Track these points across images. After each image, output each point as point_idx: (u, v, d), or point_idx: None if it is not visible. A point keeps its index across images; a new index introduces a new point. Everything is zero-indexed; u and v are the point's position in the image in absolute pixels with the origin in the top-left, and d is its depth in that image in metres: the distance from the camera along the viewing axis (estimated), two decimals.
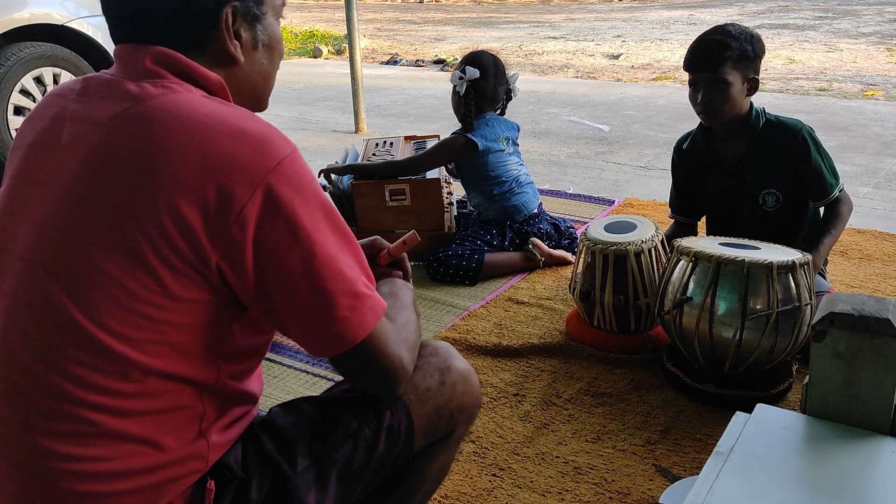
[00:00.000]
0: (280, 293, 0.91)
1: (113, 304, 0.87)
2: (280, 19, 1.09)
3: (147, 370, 0.89)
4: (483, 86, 2.71)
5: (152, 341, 0.89)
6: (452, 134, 2.79)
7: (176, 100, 0.93)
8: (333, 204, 0.97)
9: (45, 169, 0.95)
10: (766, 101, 5.50)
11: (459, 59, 2.86)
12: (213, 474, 0.98)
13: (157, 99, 0.92)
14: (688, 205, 2.42)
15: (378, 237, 1.29)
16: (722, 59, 2.06)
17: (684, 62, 2.16)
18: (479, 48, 2.87)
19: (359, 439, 1.06)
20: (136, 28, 0.98)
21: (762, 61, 2.16)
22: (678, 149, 2.38)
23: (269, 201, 0.88)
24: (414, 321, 1.11)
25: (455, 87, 2.73)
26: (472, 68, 2.69)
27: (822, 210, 2.22)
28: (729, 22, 2.18)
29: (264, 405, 1.91)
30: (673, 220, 2.48)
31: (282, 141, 0.93)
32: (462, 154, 2.74)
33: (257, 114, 1.01)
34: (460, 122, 2.76)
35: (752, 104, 2.18)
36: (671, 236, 2.37)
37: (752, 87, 2.13)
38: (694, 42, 2.15)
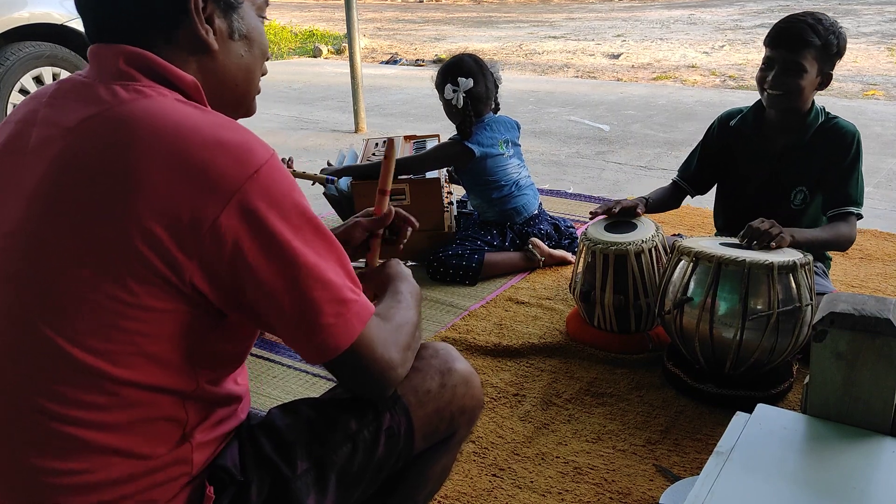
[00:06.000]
0: (262, 304, 0.89)
1: (81, 316, 0.84)
2: (263, 18, 1.06)
3: (121, 381, 0.86)
4: (478, 91, 2.70)
5: (125, 353, 0.86)
6: (450, 139, 2.77)
7: (147, 105, 0.89)
8: (310, 209, 0.92)
9: (11, 175, 0.92)
10: None
11: (437, 74, 2.80)
12: (211, 479, 0.97)
13: (128, 104, 0.89)
14: (701, 177, 2.40)
15: (359, 220, 1.28)
16: (806, 42, 2.01)
17: (766, 37, 2.10)
18: (454, 54, 2.84)
19: (358, 441, 1.05)
20: (107, 17, 0.95)
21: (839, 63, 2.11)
22: (723, 122, 2.33)
23: (245, 213, 0.85)
24: (411, 321, 1.08)
25: (451, 101, 2.70)
26: (463, 79, 2.67)
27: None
28: (819, 11, 2.13)
29: (263, 405, 1.91)
30: (671, 182, 2.46)
31: (259, 147, 0.89)
32: (459, 160, 2.74)
33: (242, 120, 0.99)
34: (458, 130, 2.74)
35: (813, 102, 2.14)
36: (661, 193, 2.40)
37: (824, 82, 2.09)
38: (782, 19, 2.10)
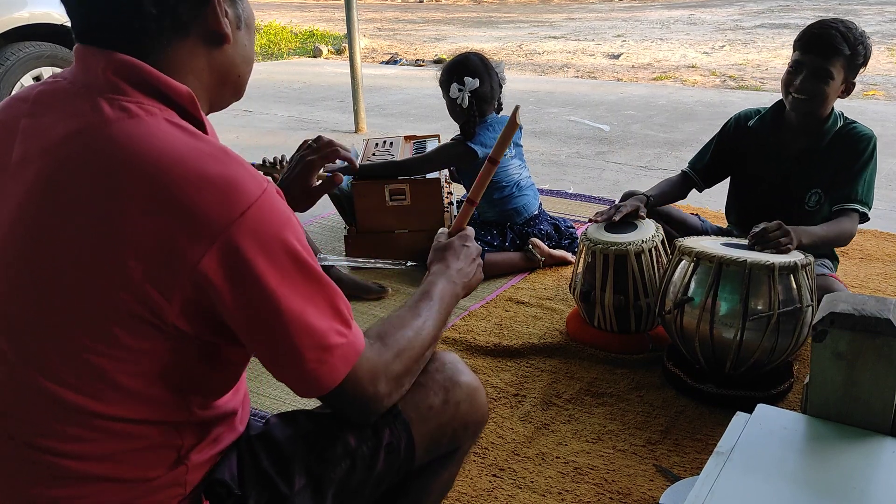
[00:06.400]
0: (247, 343, 0.88)
1: (60, 355, 0.82)
2: None
3: (107, 417, 0.84)
4: (483, 90, 2.68)
5: (108, 389, 0.83)
6: (452, 140, 2.76)
7: (132, 130, 0.82)
8: (301, 246, 0.87)
9: None
10: (767, 100, 5.49)
11: (442, 71, 2.79)
12: (208, 493, 0.96)
13: (112, 126, 0.82)
14: (713, 171, 2.40)
15: (312, 159, 1.33)
16: (837, 51, 2.03)
17: (797, 41, 2.12)
18: (459, 52, 2.82)
19: (357, 458, 1.04)
20: (102, 15, 0.86)
21: (862, 71, 2.14)
22: (741, 123, 2.34)
23: (229, 258, 0.81)
24: (421, 343, 1.04)
25: (456, 100, 2.68)
26: (470, 78, 2.65)
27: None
28: (848, 19, 2.15)
29: (264, 405, 1.90)
30: (680, 172, 2.46)
31: (250, 182, 0.83)
32: (462, 160, 2.73)
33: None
34: (462, 130, 2.72)
35: (833, 108, 2.16)
36: (666, 185, 2.40)
37: (847, 90, 2.12)
38: (815, 24, 2.11)
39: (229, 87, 0.98)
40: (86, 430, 0.84)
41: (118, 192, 0.80)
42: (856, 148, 2.12)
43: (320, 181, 1.40)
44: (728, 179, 2.44)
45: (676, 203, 2.50)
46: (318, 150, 1.38)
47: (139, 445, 0.88)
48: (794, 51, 2.13)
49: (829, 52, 2.03)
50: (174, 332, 0.84)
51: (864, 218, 2.13)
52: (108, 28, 0.87)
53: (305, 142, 1.42)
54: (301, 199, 1.38)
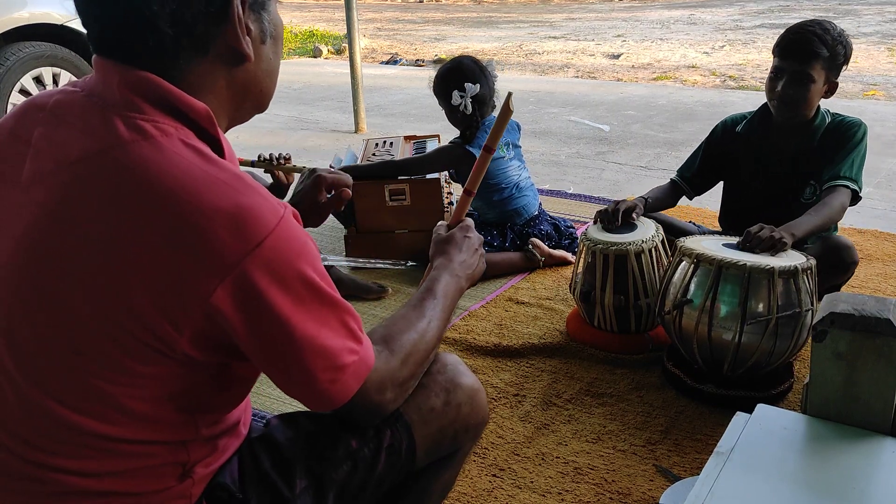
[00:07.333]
0: (259, 365, 0.88)
1: (66, 378, 0.82)
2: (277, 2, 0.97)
3: (111, 438, 0.84)
4: (482, 93, 2.67)
5: (112, 412, 0.83)
6: (451, 142, 2.75)
7: (146, 156, 0.80)
8: (314, 271, 0.86)
9: (2, 209, 0.87)
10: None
11: (435, 80, 2.76)
12: (209, 498, 0.96)
13: (126, 148, 0.80)
14: (702, 179, 2.41)
15: (322, 174, 1.31)
16: (815, 54, 2.04)
17: (776, 47, 2.13)
18: (451, 57, 2.78)
19: (358, 460, 1.04)
20: (126, 26, 0.83)
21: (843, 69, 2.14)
22: (728, 129, 2.34)
23: (243, 290, 0.79)
24: (426, 344, 1.04)
25: (458, 106, 2.65)
26: (471, 84, 2.63)
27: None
28: (825, 19, 2.16)
29: (264, 405, 1.91)
30: (669, 181, 2.46)
31: (266, 211, 0.81)
32: (460, 163, 2.73)
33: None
34: (462, 135, 2.69)
35: (818, 107, 2.17)
36: (659, 192, 2.40)
37: (831, 90, 2.12)
38: (791, 29, 2.12)
39: (250, 103, 0.96)
40: (91, 449, 0.84)
41: (129, 220, 0.79)
42: (845, 134, 2.14)
43: (329, 196, 1.37)
44: (718, 186, 2.44)
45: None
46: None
47: (145, 464, 0.88)
48: (773, 56, 2.13)
49: (807, 56, 2.04)
50: (183, 358, 0.83)
51: (855, 197, 2.11)
52: (124, 44, 0.84)
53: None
54: (311, 214, 1.36)
